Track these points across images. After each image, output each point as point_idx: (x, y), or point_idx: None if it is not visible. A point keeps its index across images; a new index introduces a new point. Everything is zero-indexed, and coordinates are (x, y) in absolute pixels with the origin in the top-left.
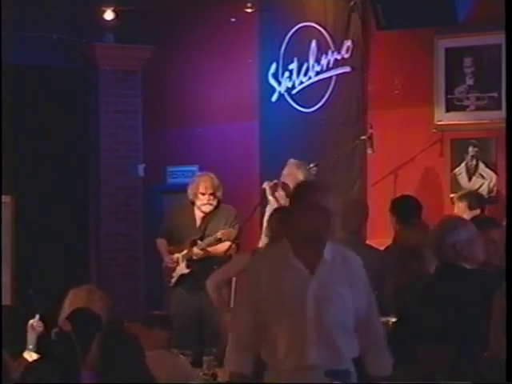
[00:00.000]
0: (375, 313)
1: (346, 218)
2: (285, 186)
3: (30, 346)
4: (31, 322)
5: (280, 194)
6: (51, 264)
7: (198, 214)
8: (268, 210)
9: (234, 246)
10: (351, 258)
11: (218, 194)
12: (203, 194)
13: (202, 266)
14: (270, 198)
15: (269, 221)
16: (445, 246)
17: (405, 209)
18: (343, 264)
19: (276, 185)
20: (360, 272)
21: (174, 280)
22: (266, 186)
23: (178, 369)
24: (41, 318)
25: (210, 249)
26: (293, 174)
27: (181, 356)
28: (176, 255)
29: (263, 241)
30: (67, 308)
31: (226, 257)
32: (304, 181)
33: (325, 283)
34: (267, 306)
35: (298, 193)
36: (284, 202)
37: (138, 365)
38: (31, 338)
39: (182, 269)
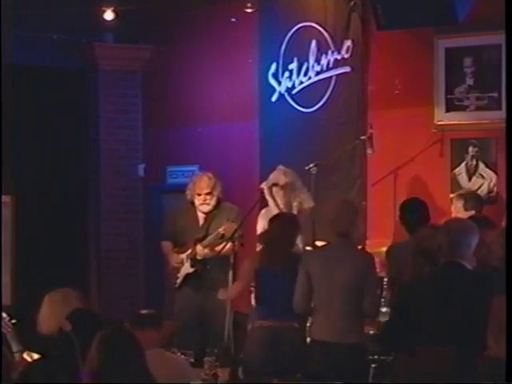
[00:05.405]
0: None
1: (336, 220)
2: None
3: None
4: None
5: (277, 194)
6: (51, 264)
7: (200, 214)
8: (263, 214)
9: (236, 243)
10: None
11: (216, 192)
12: (199, 195)
13: (206, 265)
14: (268, 198)
15: (269, 226)
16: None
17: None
18: None
19: (274, 185)
20: None
21: (179, 281)
22: (264, 186)
23: (176, 368)
24: None
25: (216, 248)
26: (278, 180)
27: (182, 356)
28: (181, 256)
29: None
30: (44, 310)
31: (228, 255)
32: None
33: None
34: None
35: None
36: (282, 203)
37: (138, 364)
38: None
39: (187, 268)
